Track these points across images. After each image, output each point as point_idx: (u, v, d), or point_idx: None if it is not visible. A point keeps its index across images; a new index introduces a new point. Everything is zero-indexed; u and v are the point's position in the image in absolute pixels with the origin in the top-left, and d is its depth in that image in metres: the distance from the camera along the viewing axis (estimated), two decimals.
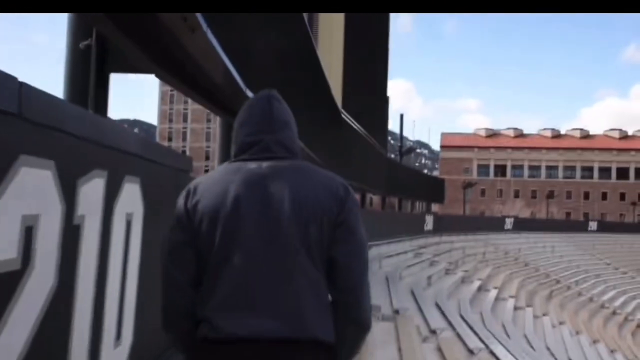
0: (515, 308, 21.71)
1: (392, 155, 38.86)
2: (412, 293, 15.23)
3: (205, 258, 1.82)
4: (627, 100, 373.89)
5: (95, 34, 3.56)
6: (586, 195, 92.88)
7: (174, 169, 3.29)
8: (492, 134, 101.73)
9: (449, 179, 66.49)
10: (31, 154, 1.67)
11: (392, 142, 62.97)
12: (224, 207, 1.83)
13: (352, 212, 1.90)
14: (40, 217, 1.73)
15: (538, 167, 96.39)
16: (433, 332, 10.94)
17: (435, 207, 49.85)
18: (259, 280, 1.78)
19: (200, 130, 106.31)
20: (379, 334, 9.13)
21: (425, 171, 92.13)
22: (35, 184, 1.72)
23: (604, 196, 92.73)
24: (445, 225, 32.81)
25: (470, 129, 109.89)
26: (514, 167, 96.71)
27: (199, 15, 3.46)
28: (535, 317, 22.14)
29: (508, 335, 15.36)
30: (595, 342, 23.43)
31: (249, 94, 4.84)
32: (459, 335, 11.31)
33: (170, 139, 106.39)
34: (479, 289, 21.77)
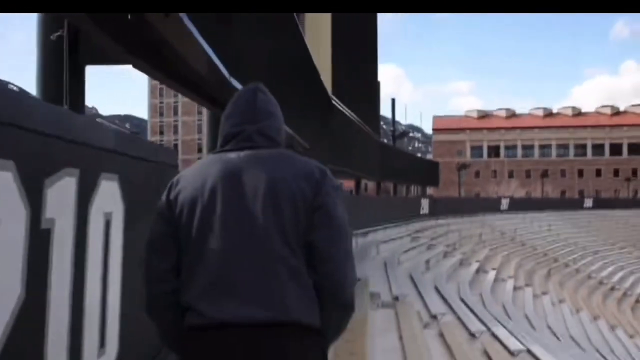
0: (515, 288, 21.72)
1: (385, 140, 38.72)
2: (411, 278, 15.17)
3: (186, 248, 1.86)
4: (617, 76, 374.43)
5: (67, 25, 3.38)
6: (580, 173, 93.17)
7: (157, 163, 3.13)
8: (484, 115, 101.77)
9: (443, 161, 66.44)
10: None
11: (384, 127, 62.76)
12: (201, 198, 1.86)
13: (330, 195, 1.88)
14: (0, 223, 1.57)
15: (531, 147, 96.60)
16: (434, 317, 10.86)
17: (430, 191, 49.90)
18: (237, 268, 1.79)
19: (192, 122, 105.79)
20: (379, 321, 9.03)
21: (419, 155, 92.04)
22: None
23: (598, 173, 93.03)
24: (441, 208, 32.76)
25: (462, 112, 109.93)
26: (507, 147, 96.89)
27: None
28: (535, 296, 22.15)
29: (509, 316, 15.33)
30: (595, 318, 23.46)
31: (235, 83, 4.67)
32: (460, 319, 11.25)
33: (162, 133, 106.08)
34: (478, 270, 21.76)
